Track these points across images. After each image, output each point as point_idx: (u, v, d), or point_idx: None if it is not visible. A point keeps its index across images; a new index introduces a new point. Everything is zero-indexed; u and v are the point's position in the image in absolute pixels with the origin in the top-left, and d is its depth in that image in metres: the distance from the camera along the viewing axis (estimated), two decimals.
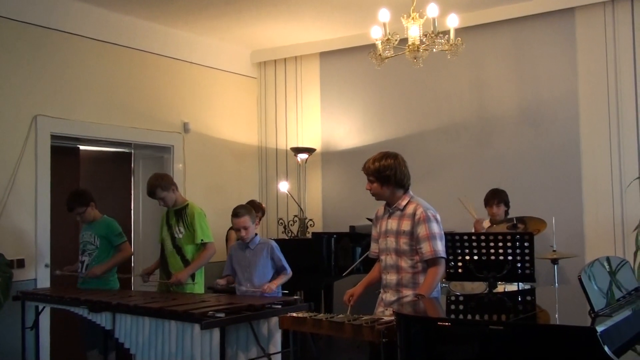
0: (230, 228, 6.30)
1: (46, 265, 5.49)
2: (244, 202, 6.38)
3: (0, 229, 5.22)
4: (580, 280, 2.71)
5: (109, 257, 5.17)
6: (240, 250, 4.63)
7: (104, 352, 4.87)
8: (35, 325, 5.02)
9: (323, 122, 7.38)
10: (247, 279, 4.52)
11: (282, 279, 4.53)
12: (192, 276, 4.89)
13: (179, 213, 4.98)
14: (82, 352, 5.24)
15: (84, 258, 5.17)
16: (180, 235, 4.92)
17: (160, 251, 5.08)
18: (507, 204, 5.59)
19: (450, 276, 4.26)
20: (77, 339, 5.31)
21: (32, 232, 5.43)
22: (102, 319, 4.26)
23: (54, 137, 5.66)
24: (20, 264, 5.32)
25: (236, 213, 4.57)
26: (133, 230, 6.73)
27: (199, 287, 4.96)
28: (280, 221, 7.33)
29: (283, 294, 4.62)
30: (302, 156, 7.11)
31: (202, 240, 4.89)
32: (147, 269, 5.18)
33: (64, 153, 6.12)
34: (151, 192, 4.93)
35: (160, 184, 4.91)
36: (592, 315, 2.64)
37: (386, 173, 3.65)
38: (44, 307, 5.03)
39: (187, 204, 5.00)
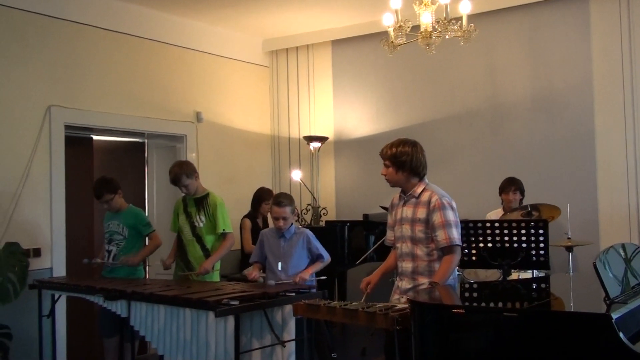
0: (245, 216, 6.31)
1: (85, 261, 5.19)
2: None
3: (16, 218, 5.27)
4: (595, 267, 2.70)
5: (137, 246, 5.18)
6: (274, 238, 4.53)
7: (127, 340, 4.90)
8: (52, 313, 5.07)
9: (335, 111, 7.36)
10: (282, 268, 4.45)
11: (317, 267, 4.47)
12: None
13: (200, 202, 4.98)
14: (100, 339, 5.29)
15: (112, 248, 5.17)
16: (201, 224, 4.94)
17: (178, 240, 5.10)
18: (522, 193, 5.63)
19: (464, 264, 4.24)
20: (94, 326, 5.35)
21: (47, 221, 5.48)
22: (118, 307, 4.30)
23: (67, 127, 5.70)
24: (36, 253, 5.37)
25: (279, 202, 4.43)
26: None
27: (216, 275, 5.00)
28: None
29: (318, 280, 4.56)
30: (315, 145, 7.10)
31: (223, 230, 4.91)
32: (167, 259, 5.13)
33: (77, 143, 6.16)
34: (176, 180, 4.91)
35: (185, 172, 4.91)
36: (607, 302, 2.64)
37: (402, 159, 3.65)
38: (60, 296, 5.07)
39: (208, 193, 5.00)
